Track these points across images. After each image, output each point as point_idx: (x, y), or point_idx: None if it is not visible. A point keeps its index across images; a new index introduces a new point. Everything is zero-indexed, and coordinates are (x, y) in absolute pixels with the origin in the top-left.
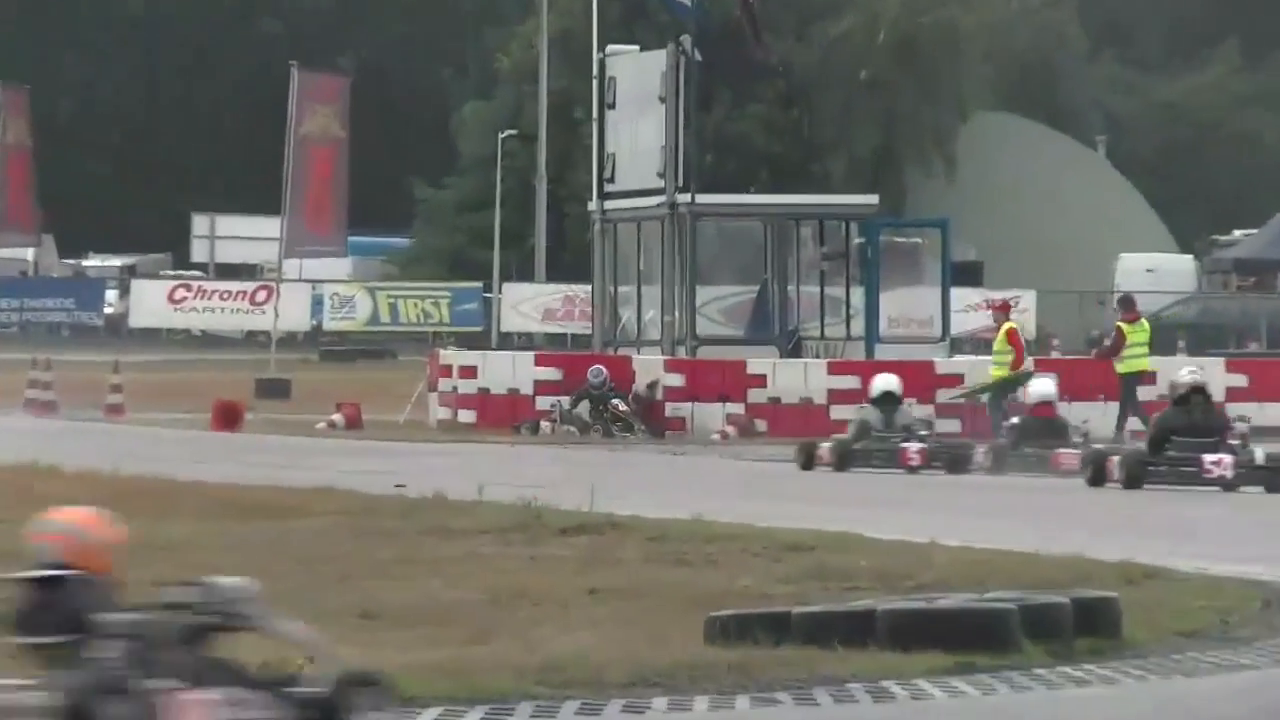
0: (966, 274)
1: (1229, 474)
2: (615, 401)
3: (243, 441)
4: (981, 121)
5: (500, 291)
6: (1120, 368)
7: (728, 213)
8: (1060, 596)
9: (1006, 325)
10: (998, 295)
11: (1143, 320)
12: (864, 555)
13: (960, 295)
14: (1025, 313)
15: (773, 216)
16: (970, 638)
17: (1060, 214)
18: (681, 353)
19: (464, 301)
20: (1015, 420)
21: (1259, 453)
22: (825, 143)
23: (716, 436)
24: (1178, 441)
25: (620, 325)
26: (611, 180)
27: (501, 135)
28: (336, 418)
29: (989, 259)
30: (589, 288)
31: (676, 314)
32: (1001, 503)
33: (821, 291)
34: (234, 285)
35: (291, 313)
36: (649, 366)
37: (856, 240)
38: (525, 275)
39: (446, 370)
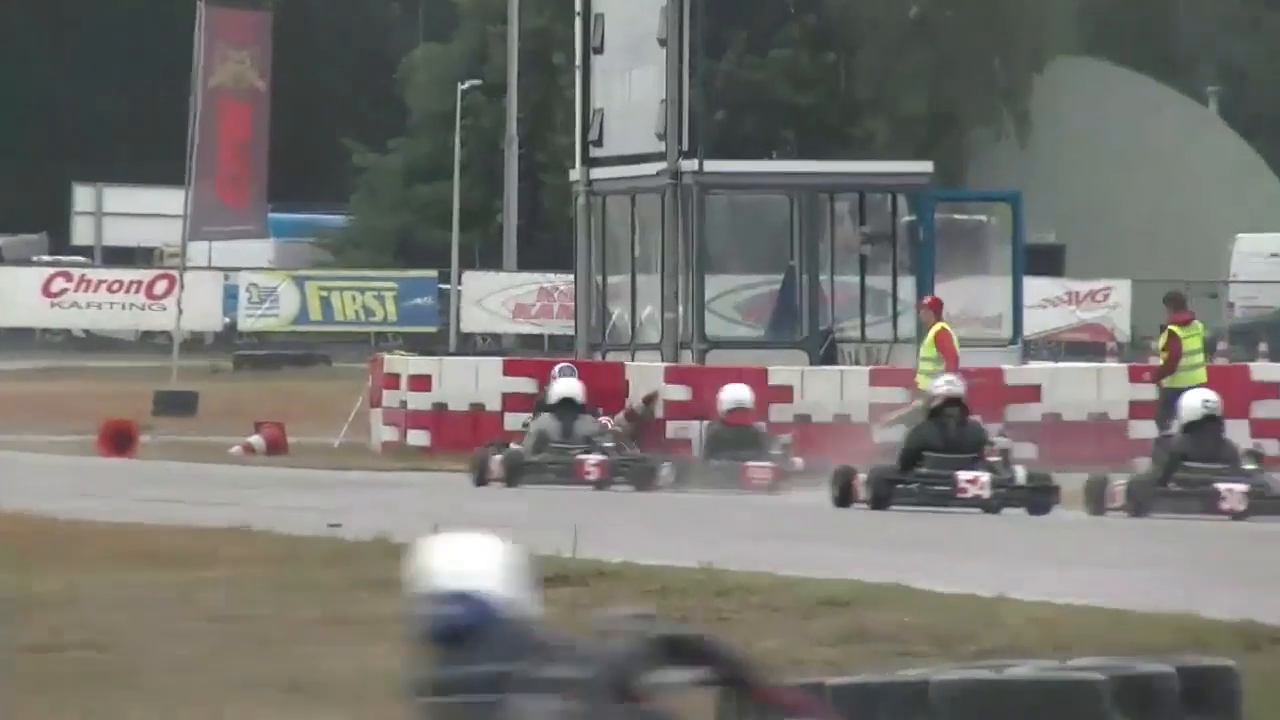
0: (1043, 260)
1: (985, 493)
2: (605, 420)
3: (138, 470)
4: (1062, 70)
5: (460, 282)
6: (1169, 382)
7: (744, 183)
8: (1163, 665)
9: (936, 327)
10: (1081, 286)
11: (1196, 322)
12: (914, 611)
13: (1036, 287)
14: (1116, 309)
15: (801, 188)
16: (1049, 715)
17: (1162, 185)
18: (687, 359)
19: (415, 295)
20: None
21: (1020, 471)
22: (866, 96)
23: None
24: (931, 458)
25: (610, 325)
26: (599, 143)
27: (461, 87)
28: (255, 440)
29: (1071, 242)
30: (570, 278)
31: (680, 310)
32: (1152, 551)
33: (862, 282)
34: (126, 274)
35: (199, 309)
36: (646, 376)
37: (906, 218)
38: (491, 262)
39: (393, 380)
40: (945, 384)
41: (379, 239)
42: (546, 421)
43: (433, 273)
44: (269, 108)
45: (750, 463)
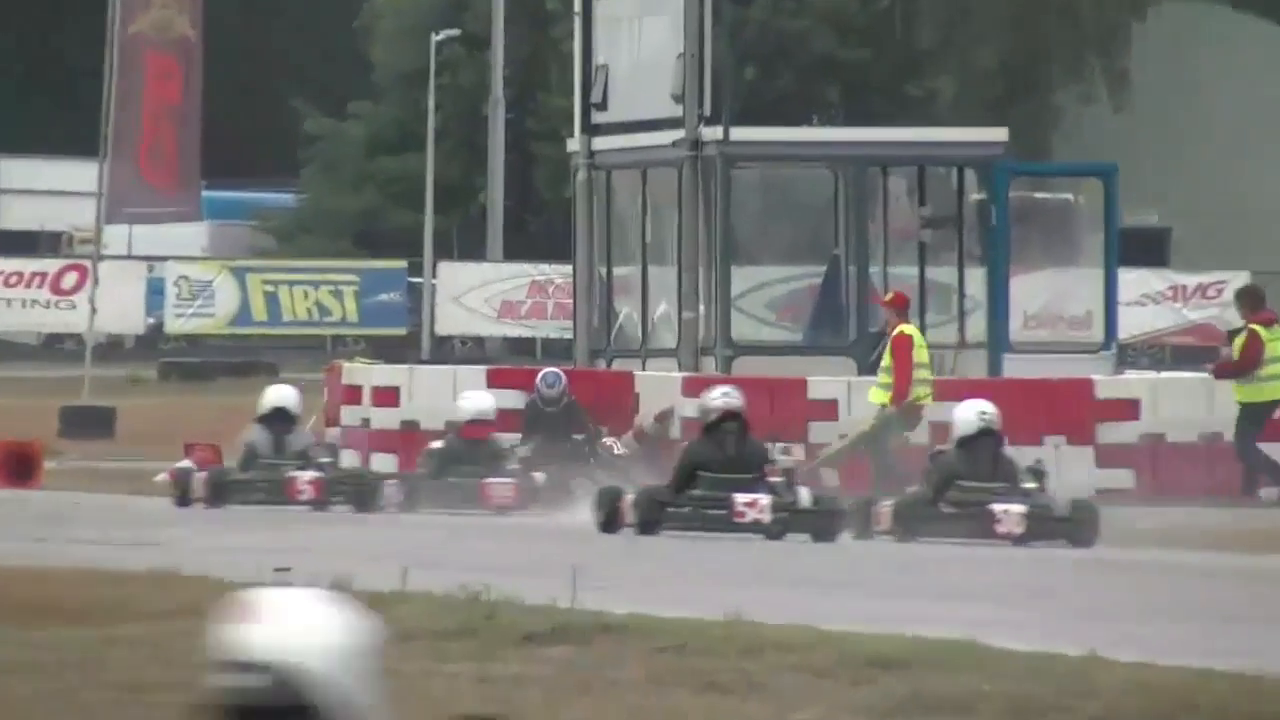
0: (1143, 248)
1: (765, 518)
2: (609, 441)
3: (41, 503)
4: (1169, 17)
5: (434, 275)
6: (1246, 394)
7: (779, 155)
8: None
9: (899, 329)
10: (1189, 279)
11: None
12: (987, 674)
13: (1135, 280)
14: (1232, 307)
15: (847, 160)
16: None
17: None
18: (710, 366)
19: (379, 289)
20: (439, 445)
21: (804, 494)
22: (928, 48)
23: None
24: (706, 478)
25: (616, 326)
26: (602, 106)
27: (436, 38)
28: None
29: (1178, 225)
30: (568, 269)
31: (701, 309)
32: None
33: (921, 275)
34: (27, 265)
35: (116, 307)
36: (660, 389)
37: (975, 197)
38: (472, 250)
39: (353, 394)
40: (721, 396)
41: (336, 222)
42: (257, 434)
43: (401, 263)
44: (201, 62)
45: (490, 479)
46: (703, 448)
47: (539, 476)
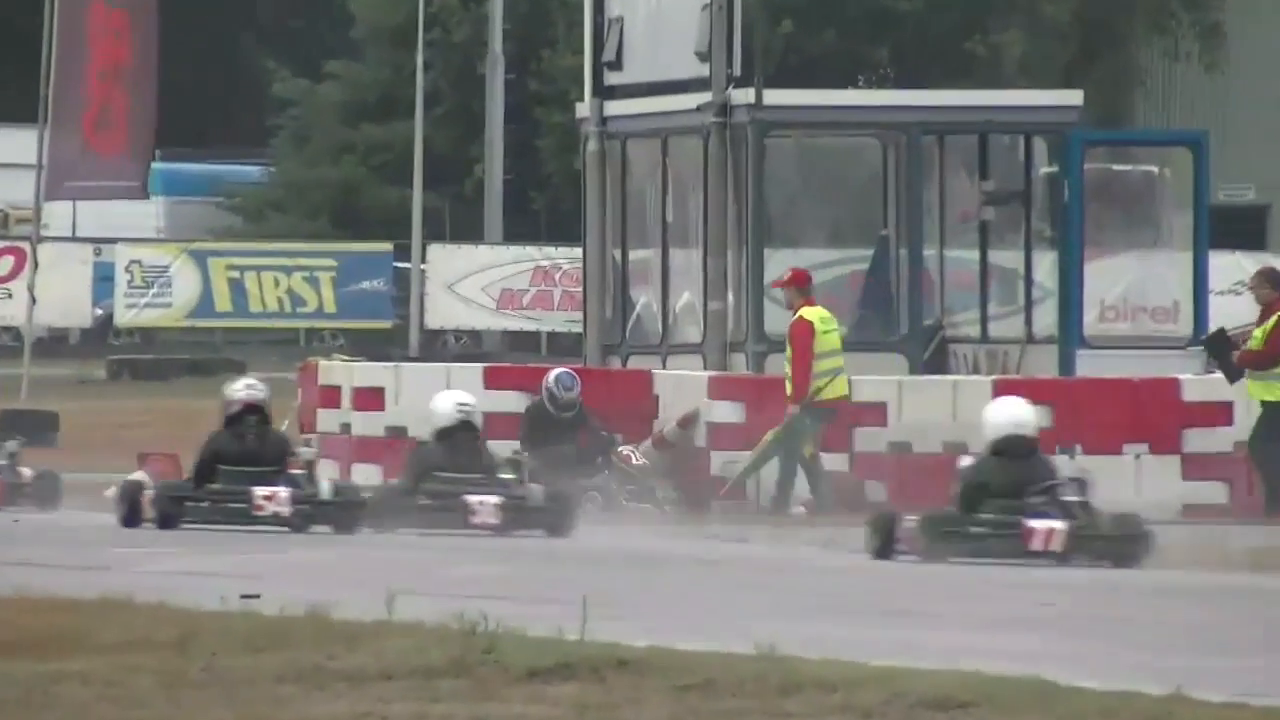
0: (1238, 228)
1: (286, 510)
2: (622, 450)
3: None
4: None
5: (425, 259)
6: (1261, 391)
7: (819, 121)
8: None
9: (798, 314)
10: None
11: None
12: (1058, 716)
13: (1227, 265)
14: None
15: (899, 128)
16: None
17: None
18: (740, 364)
19: (361, 276)
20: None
21: (325, 486)
22: (992, 1)
23: (799, 510)
24: (226, 472)
25: (633, 318)
26: (617, 66)
27: None
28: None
29: (1278, 202)
30: (578, 253)
31: (730, 299)
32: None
33: (983, 259)
34: None
35: (59, 296)
36: (683, 389)
37: (1045, 170)
38: (467, 231)
39: (332, 395)
40: (245, 389)
41: (311, 199)
42: (224, 442)
43: (386, 246)
44: (157, 17)
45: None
46: (223, 440)
47: (536, 489)
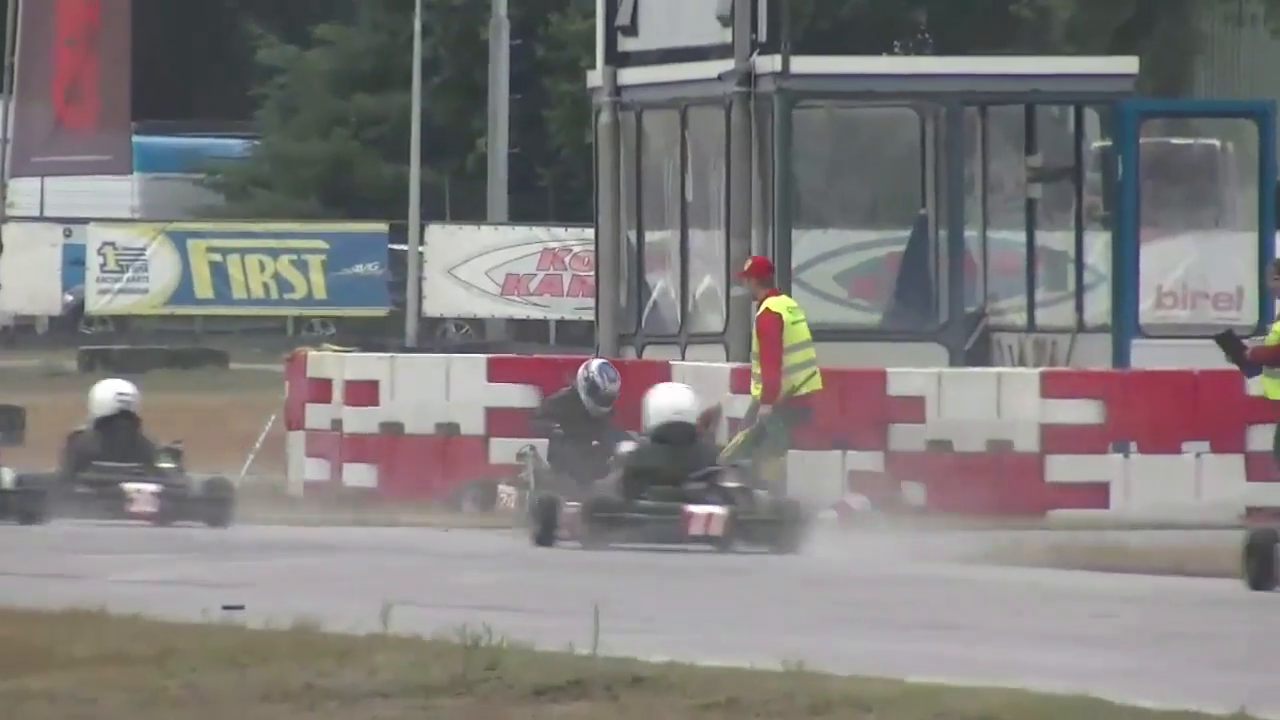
0: None
1: (152, 507)
2: None
3: None
4: None
5: (423, 241)
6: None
7: (852, 91)
8: None
9: (764, 305)
10: None
11: None
12: None
13: None
14: None
15: (938, 98)
16: None
17: None
18: None
19: (354, 259)
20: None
21: (196, 481)
22: None
23: (830, 514)
24: (98, 468)
25: (649, 305)
26: (631, 30)
27: None
28: None
29: None
30: (589, 234)
31: None
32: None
33: (1030, 241)
34: None
35: (26, 281)
36: (704, 382)
37: (1098, 143)
38: (469, 211)
39: (322, 389)
40: (116, 398)
41: (300, 176)
42: (88, 441)
43: (382, 227)
44: None
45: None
46: (87, 439)
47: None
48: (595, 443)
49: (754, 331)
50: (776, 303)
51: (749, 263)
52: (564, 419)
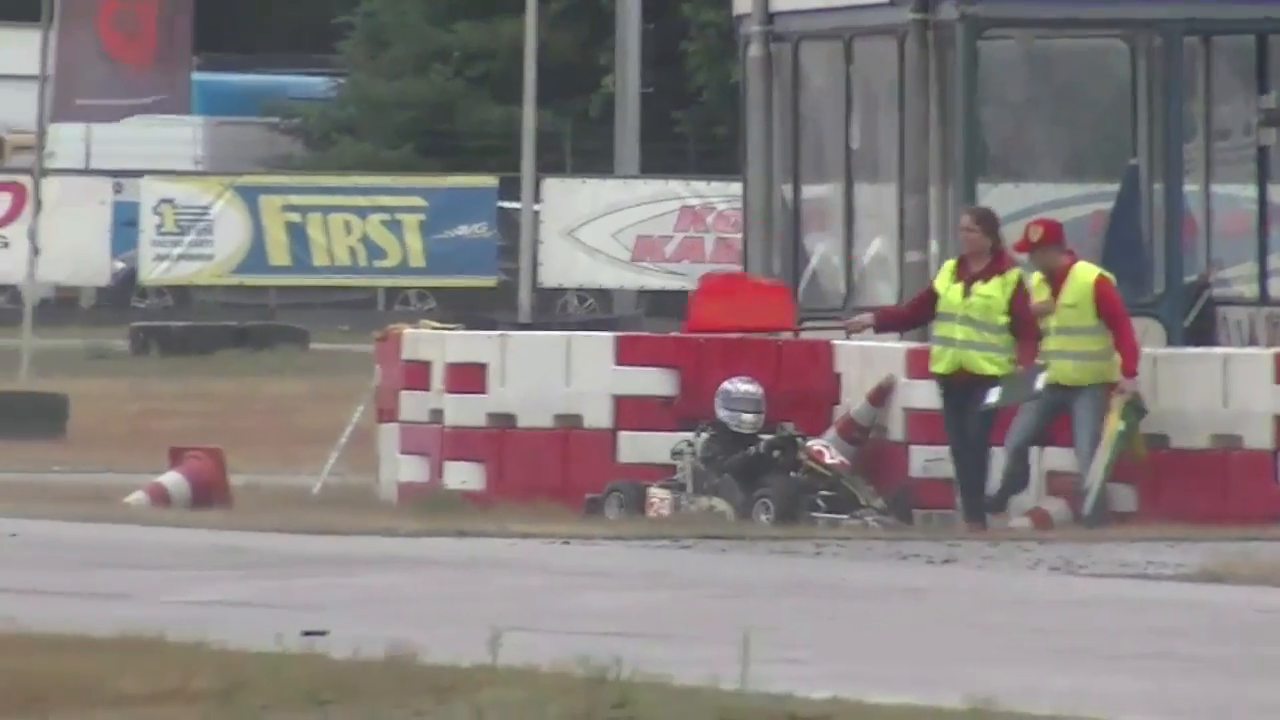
0: None
1: None
2: (813, 444)
3: None
4: None
5: (539, 198)
6: None
7: (1048, 18)
8: None
9: (1099, 271)
10: None
11: None
12: None
13: None
14: None
15: (1152, 25)
16: None
17: None
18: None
19: (457, 220)
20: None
21: None
22: None
23: (1024, 521)
24: None
25: (808, 273)
26: None
27: None
28: (171, 480)
29: None
30: (736, 190)
31: (934, 246)
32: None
33: (1262, 198)
34: None
35: (69, 245)
36: (873, 363)
37: None
38: (594, 162)
39: (419, 374)
40: None
41: (392, 121)
42: None
43: (490, 180)
44: None
45: None
46: None
47: None
48: (752, 449)
49: (1092, 299)
50: (1094, 269)
51: (1038, 230)
52: (707, 441)
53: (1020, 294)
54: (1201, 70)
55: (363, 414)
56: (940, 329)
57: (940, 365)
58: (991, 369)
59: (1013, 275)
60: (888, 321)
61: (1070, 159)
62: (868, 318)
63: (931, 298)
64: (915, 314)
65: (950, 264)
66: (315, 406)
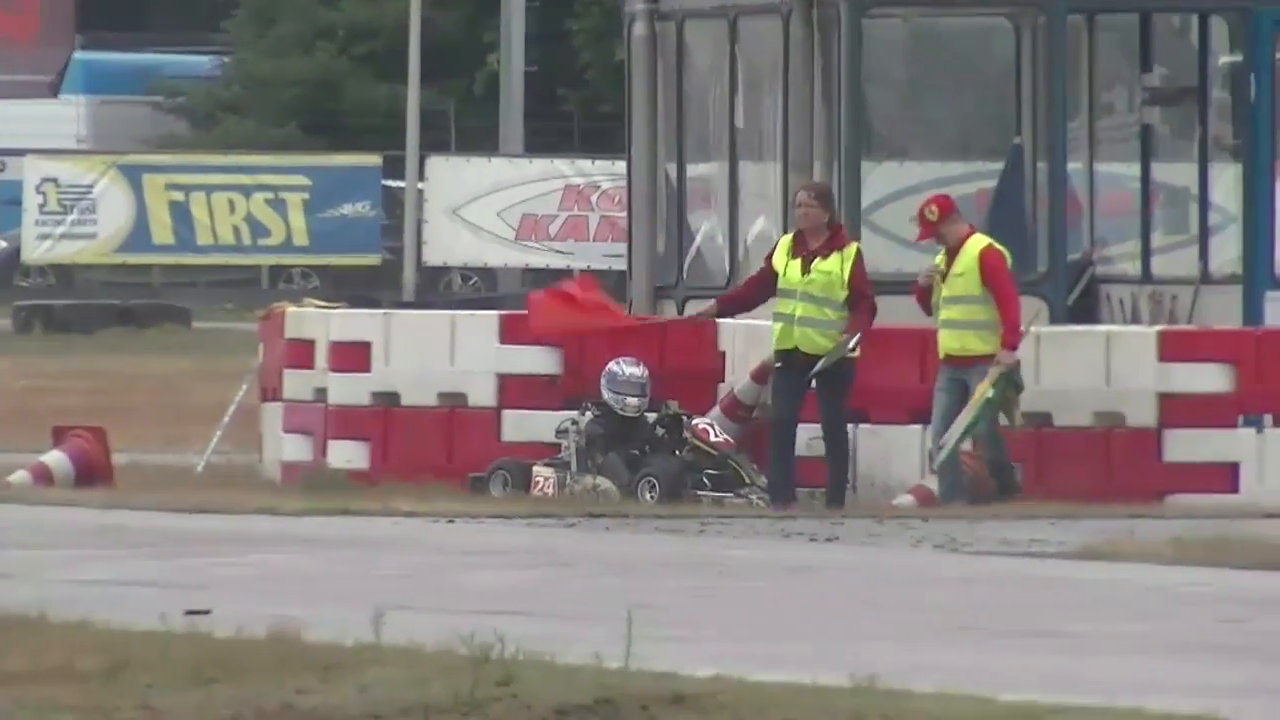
0: None
1: None
2: (697, 422)
3: None
4: None
5: (424, 177)
6: None
7: None
8: None
9: (988, 242)
10: None
11: None
12: None
13: None
14: None
15: (1037, 6)
16: None
17: None
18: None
19: (341, 198)
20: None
21: None
22: None
23: (907, 499)
24: None
25: (692, 251)
26: None
27: None
28: (54, 459)
29: None
30: (621, 168)
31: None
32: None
33: (1145, 177)
34: None
35: None
36: (757, 341)
37: (1225, 59)
38: (478, 140)
39: (303, 352)
40: None
41: (277, 99)
42: None
43: (374, 159)
44: None
45: None
46: None
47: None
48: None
49: (979, 270)
50: (986, 238)
51: (932, 208)
52: (606, 440)
53: (859, 267)
54: (1085, 49)
55: (246, 393)
56: (781, 305)
57: (781, 342)
58: (827, 344)
59: (851, 249)
60: (728, 306)
61: (954, 137)
62: (709, 308)
63: (771, 276)
64: (755, 294)
65: (786, 239)
66: (199, 385)
